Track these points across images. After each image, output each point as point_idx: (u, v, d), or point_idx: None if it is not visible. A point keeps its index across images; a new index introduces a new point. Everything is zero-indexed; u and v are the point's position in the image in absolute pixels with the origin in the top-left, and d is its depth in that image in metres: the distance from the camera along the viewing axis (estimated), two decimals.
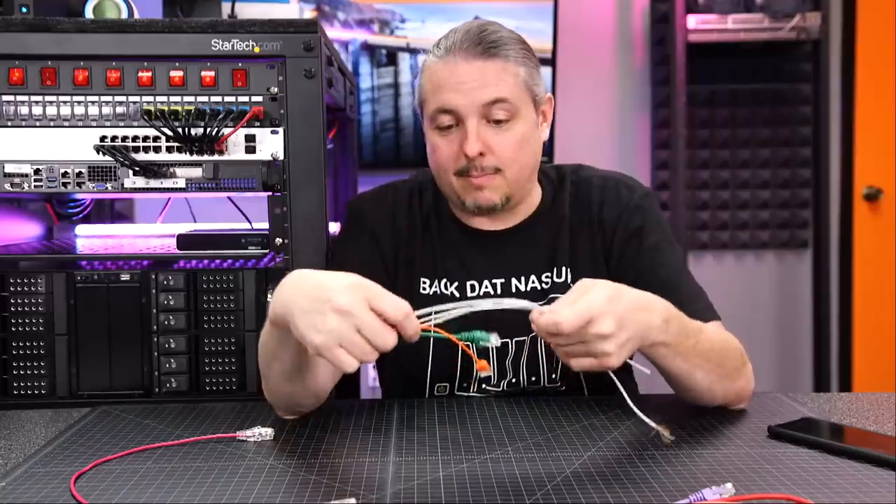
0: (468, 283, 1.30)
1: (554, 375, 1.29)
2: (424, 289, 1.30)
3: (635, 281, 1.07)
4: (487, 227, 1.31)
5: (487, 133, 1.21)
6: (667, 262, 1.27)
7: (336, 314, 0.88)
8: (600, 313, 0.94)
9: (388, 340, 0.88)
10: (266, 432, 1.08)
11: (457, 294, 1.29)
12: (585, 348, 0.95)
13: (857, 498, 0.86)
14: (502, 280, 1.29)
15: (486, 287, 1.29)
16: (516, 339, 1.27)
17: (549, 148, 3.27)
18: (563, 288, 1.26)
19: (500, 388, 1.30)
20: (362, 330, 0.87)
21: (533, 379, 1.29)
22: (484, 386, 1.30)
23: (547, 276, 1.30)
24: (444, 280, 1.30)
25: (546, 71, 3.22)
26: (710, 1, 3.10)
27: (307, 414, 1.16)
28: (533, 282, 1.29)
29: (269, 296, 1.30)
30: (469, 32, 1.23)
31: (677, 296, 1.14)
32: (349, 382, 1.61)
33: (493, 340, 0.97)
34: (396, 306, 0.90)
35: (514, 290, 1.29)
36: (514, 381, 1.29)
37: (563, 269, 1.29)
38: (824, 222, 3.35)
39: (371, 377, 2.90)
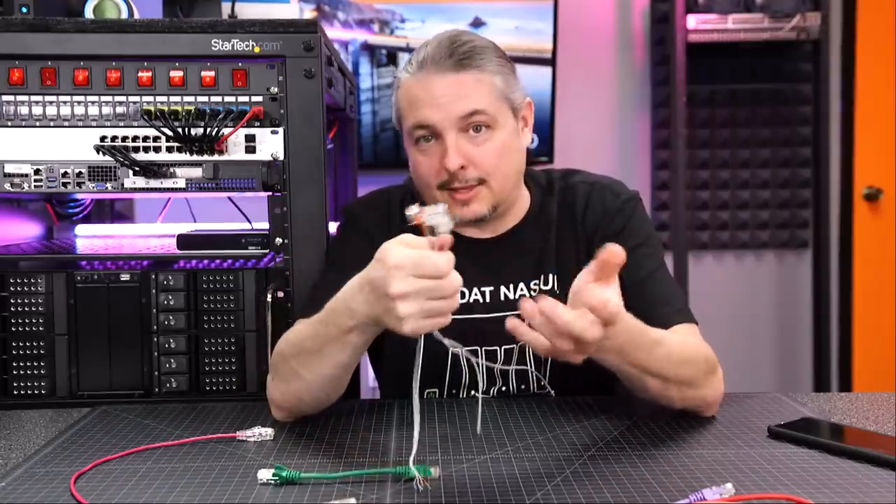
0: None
1: (543, 382, 1.29)
2: None
3: None
4: (476, 235, 1.31)
5: (467, 146, 1.21)
6: (643, 265, 1.25)
7: (394, 277, 0.90)
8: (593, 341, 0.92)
9: (440, 260, 0.92)
10: (266, 432, 1.08)
11: None
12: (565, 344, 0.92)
13: (857, 498, 0.86)
14: (491, 288, 1.29)
15: (476, 294, 1.29)
16: (505, 347, 1.27)
17: (549, 148, 3.27)
18: (551, 295, 1.25)
19: (490, 396, 1.30)
20: (420, 270, 0.90)
21: (522, 387, 1.29)
22: (473, 393, 1.30)
23: (535, 284, 1.29)
24: None
25: (546, 71, 3.23)
26: (710, 1, 3.10)
27: (307, 414, 1.16)
28: (521, 289, 1.29)
29: (268, 295, 1.30)
30: (440, 45, 1.22)
31: (648, 298, 1.14)
32: (349, 382, 1.60)
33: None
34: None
35: (502, 297, 1.29)
36: (503, 388, 1.29)
37: (551, 275, 1.29)
38: (824, 222, 3.35)
39: (371, 377, 2.90)
